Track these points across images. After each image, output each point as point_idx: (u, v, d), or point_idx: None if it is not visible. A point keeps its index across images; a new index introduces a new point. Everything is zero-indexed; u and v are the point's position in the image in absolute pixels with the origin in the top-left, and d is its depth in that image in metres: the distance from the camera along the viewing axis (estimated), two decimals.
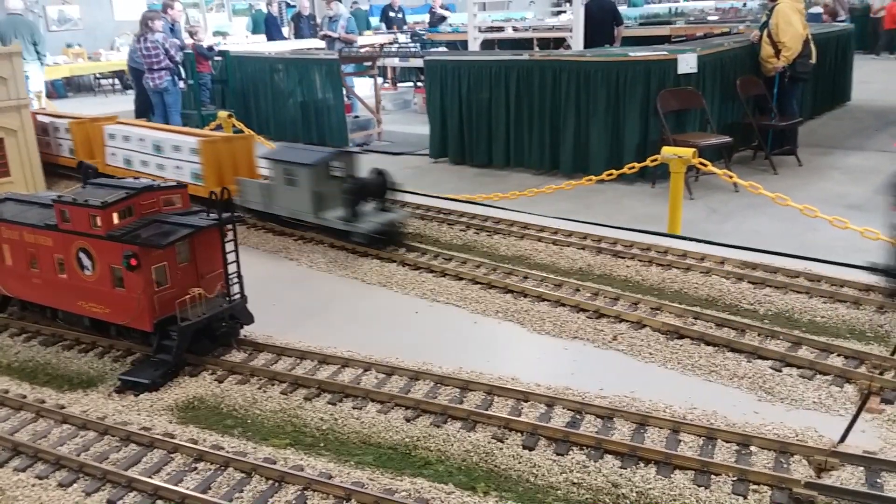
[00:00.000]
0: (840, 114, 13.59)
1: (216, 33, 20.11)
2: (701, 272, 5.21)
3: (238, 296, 4.42)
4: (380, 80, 14.41)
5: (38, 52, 15.09)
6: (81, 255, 4.27)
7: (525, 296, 5.02)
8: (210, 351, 4.35)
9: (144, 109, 13.38)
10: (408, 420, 3.65)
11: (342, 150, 6.25)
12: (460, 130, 10.97)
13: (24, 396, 4.06)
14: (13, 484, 3.37)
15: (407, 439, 3.54)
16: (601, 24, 13.55)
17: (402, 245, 5.90)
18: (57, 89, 20.08)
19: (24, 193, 5.94)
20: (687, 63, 9.48)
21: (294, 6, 20.79)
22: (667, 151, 6.91)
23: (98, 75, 22.82)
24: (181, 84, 12.72)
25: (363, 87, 14.99)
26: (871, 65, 19.03)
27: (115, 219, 4.14)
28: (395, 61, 16.16)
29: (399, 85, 19.36)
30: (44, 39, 15.48)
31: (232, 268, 4.36)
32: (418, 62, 12.93)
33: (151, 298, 4.09)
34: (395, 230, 5.94)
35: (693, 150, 6.68)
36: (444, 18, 20.72)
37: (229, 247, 4.31)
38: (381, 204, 6.00)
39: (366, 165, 6.12)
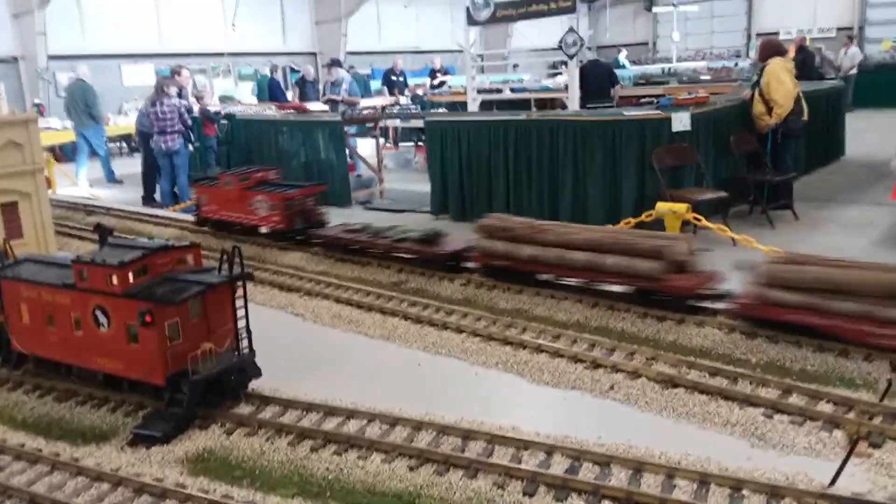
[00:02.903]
0: (834, 168, 13.82)
1: (222, 98, 20.54)
2: (695, 324, 5.36)
3: (247, 350, 4.58)
4: (381, 140, 14.73)
5: (91, 116, 15.51)
6: (97, 312, 4.44)
7: (524, 347, 5.17)
8: (219, 404, 4.48)
9: (151, 171, 13.67)
10: (412, 469, 3.77)
11: None
12: (461, 188, 11.21)
13: (40, 450, 4.18)
14: None
15: (411, 487, 3.66)
16: (598, 85, 13.97)
17: None
18: (66, 153, 20.43)
19: (42, 254, 6.14)
20: (681, 121, 9.73)
21: (298, 70, 21.30)
22: (661, 207, 7.13)
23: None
24: (190, 147, 13.06)
25: (365, 147, 15.33)
26: (865, 120, 19.33)
27: (131, 277, 4.32)
28: (397, 122, 16.55)
29: (400, 145, 19.74)
30: (97, 102, 15.87)
31: (241, 323, 4.52)
32: (419, 123, 13.26)
33: (164, 353, 4.25)
34: None
35: (687, 205, 6.88)
36: (442, 83, 21.21)
37: (239, 303, 4.49)
38: None
39: None
